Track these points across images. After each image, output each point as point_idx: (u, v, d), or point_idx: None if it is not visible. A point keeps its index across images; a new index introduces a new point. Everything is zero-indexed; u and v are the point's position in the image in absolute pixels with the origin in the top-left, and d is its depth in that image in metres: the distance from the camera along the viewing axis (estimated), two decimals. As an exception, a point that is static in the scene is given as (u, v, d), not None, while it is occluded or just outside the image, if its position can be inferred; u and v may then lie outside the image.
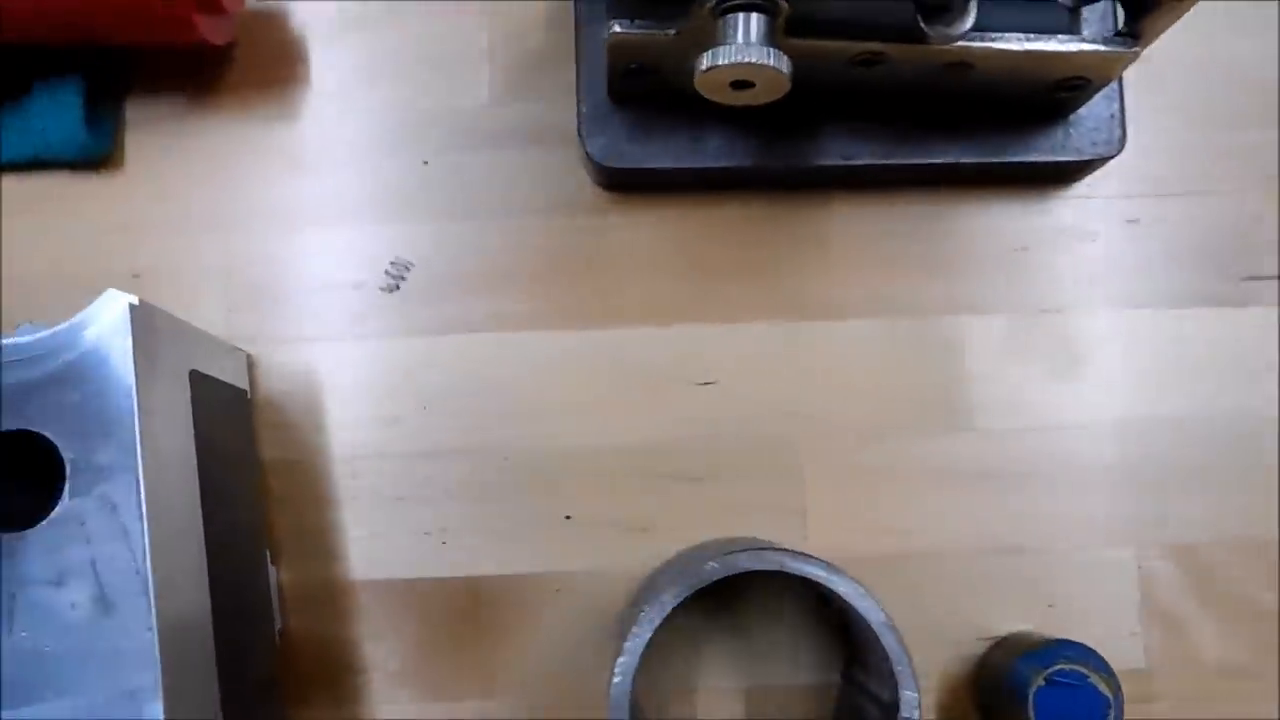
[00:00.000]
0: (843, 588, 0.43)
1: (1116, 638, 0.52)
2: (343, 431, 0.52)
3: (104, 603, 0.37)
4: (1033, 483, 0.53)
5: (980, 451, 0.53)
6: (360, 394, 0.52)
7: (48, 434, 0.39)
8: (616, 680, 0.42)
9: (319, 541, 0.51)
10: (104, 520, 0.38)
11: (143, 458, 0.39)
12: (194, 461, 0.44)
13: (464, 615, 0.51)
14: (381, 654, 0.51)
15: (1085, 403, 0.54)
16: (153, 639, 0.37)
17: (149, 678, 0.37)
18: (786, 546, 0.45)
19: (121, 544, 0.38)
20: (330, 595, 0.51)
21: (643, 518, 0.52)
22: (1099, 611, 0.53)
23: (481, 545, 0.51)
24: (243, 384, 0.51)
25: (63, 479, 0.39)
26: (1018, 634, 0.52)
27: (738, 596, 0.51)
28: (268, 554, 0.50)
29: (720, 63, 0.42)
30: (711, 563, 0.43)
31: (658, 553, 0.51)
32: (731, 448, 0.52)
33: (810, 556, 0.43)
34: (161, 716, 0.36)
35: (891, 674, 0.43)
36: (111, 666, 0.37)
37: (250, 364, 0.52)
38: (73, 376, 0.40)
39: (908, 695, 0.43)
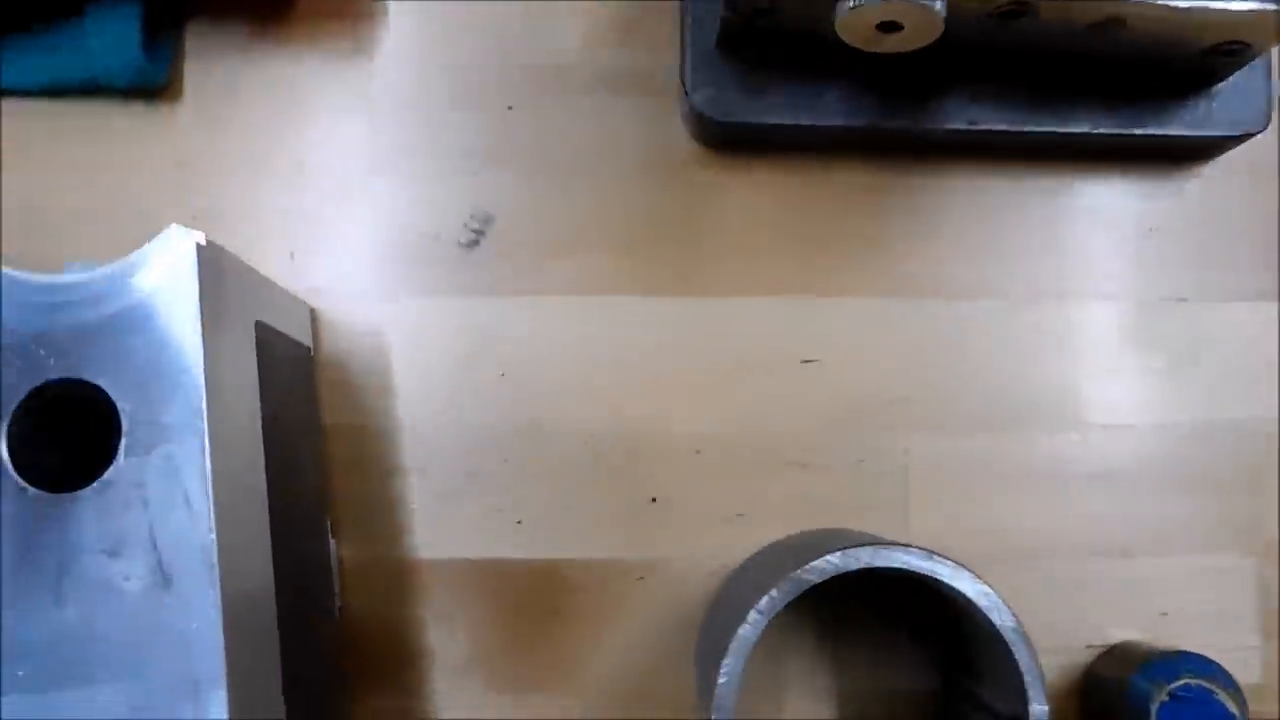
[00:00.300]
0: (970, 590, 0.37)
1: (1232, 649, 0.46)
2: (411, 397, 0.46)
3: (163, 576, 0.31)
4: (1145, 482, 0.47)
5: (1092, 447, 0.47)
6: (432, 356, 0.46)
7: (102, 384, 0.33)
8: (723, 682, 0.37)
9: (382, 515, 0.45)
10: (165, 484, 0.32)
11: (209, 416, 0.33)
12: (259, 423, 0.38)
13: (538, 601, 0.45)
14: (447, 640, 0.45)
15: (1205, 400, 0.48)
16: (217, 618, 0.31)
17: (213, 663, 0.31)
18: (898, 541, 0.39)
19: (184, 511, 0.32)
20: (393, 574, 0.45)
21: (734, 504, 0.46)
22: (1214, 621, 0.47)
23: (559, 527, 0.45)
24: (306, 340, 0.45)
25: (118, 436, 0.33)
26: (1129, 644, 0.47)
27: (832, 590, 0.46)
28: (329, 526, 0.44)
29: (872, -1, 0.36)
30: (829, 557, 0.37)
31: (749, 542, 0.45)
32: (832, 432, 0.46)
33: (935, 554, 0.37)
34: (225, 708, 0.30)
35: (1015, 685, 0.37)
36: (171, 649, 0.31)
37: (314, 319, 0.46)
38: (131, 321, 0.34)
39: (1037, 710, 0.37)
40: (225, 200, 0.46)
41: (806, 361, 0.47)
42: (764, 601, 0.36)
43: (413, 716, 0.45)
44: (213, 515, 0.32)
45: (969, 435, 0.47)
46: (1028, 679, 0.37)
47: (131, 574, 0.32)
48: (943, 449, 0.47)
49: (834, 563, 0.37)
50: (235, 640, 0.32)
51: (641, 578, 0.45)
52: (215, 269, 0.35)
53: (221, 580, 0.32)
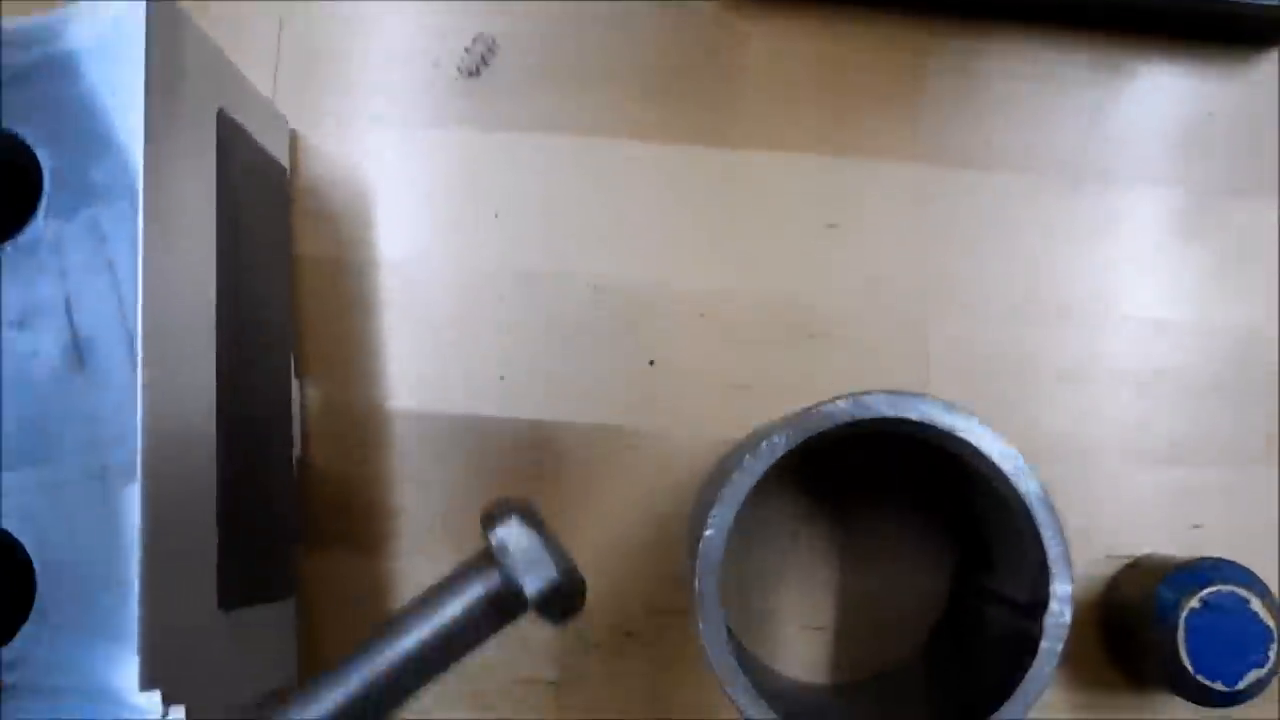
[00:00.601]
0: (993, 450, 0.31)
1: (1271, 567, 0.41)
2: (397, 233, 0.40)
3: (77, 355, 0.26)
4: (1184, 386, 0.41)
5: (1129, 344, 0.41)
6: (421, 191, 0.40)
7: (24, 135, 0.27)
8: (709, 534, 0.31)
9: (355, 360, 0.40)
10: (87, 251, 0.26)
11: (146, 184, 0.27)
12: (213, 219, 0.32)
13: (519, 465, 0.39)
14: (418, 499, 0.39)
15: (1255, 304, 0.42)
16: (133, 405, 0.25)
17: (126, 451, 0.25)
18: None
19: (105, 279, 0.26)
20: (363, 424, 0.39)
21: (739, 374, 0.40)
22: (1250, 538, 0.41)
23: (549, 386, 0.40)
24: (282, 158, 0.39)
25: (40, 195, 0.27)
26: (1156, 556, 0.41)
27: (840, 484, 0.40)
28: (293, 364, 0.39)
29: None
30: (839, 402, 0.31)
31: (753, 416, 0.39)
32: (851, 305, 0.41)
33: (957, 407, 0.31)
34: (138, 504, 0.25)
35: (1035, 566, 0.32)
36: (81, 433, 0.25)
37: (294, 140, 0.40)
38: (65, 70, 0.28)
39: (1060, 590, 0.31)
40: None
41: (830, 226, 0.41)
42: (763, 446, 0.30)
43: (371, 578, 0.39)
44: (140, 291, 0.26)
45: (999, 322, 0.41)
46: (1051, 554, 0.31)
47: (41, 349, 0.26)
48: (969, 334, 0.41)
49: (844, 408, 0.31)
50: (158, 437, 0.26)
51: (634, 446, 0.39)
52: (171, 30, 0.29)
53: (144, 365, 0.26)
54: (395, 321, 0.40)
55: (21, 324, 0.26)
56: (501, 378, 0.39)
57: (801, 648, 0.39)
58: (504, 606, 0.26)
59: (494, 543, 0.26)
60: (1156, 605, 0.38)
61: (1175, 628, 0.37)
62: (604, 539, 0.39)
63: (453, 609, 0.26)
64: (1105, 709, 0.39)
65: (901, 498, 0.40)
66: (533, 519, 0.26)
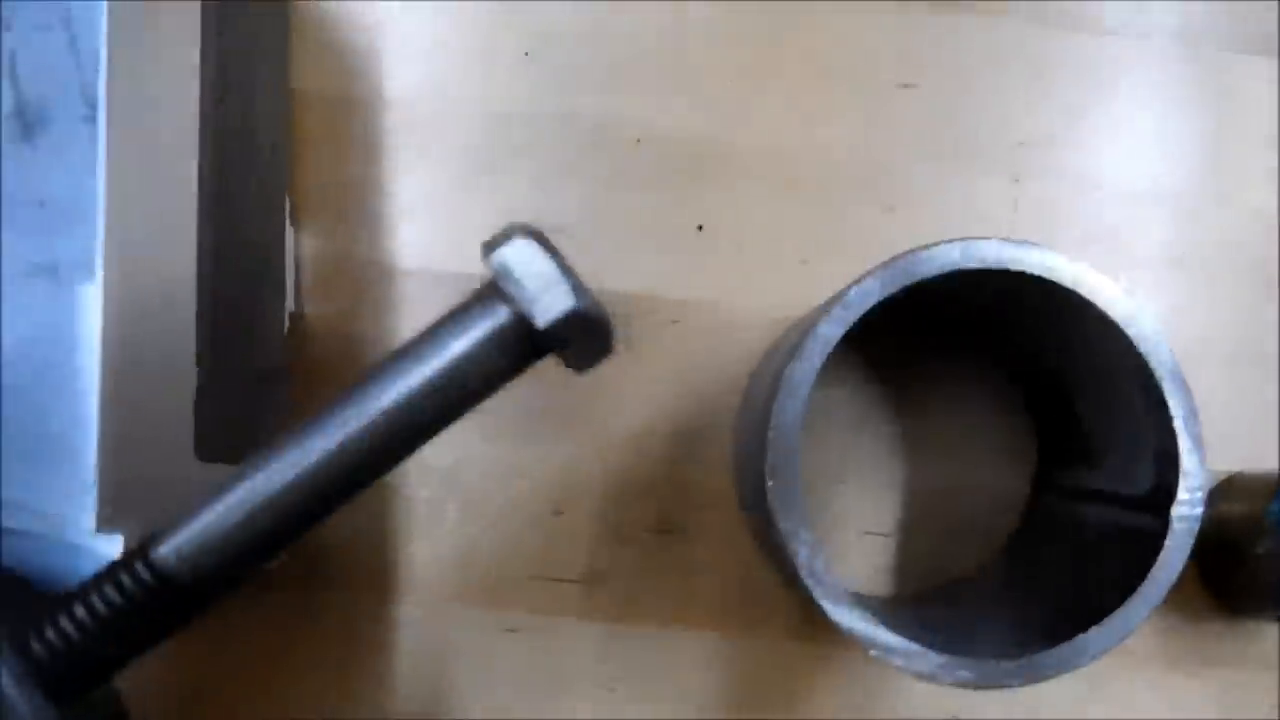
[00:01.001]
0: (1123, 311, 0.26)
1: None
2: (410, 70, 0.35)
3: (22, 123, 0.21)
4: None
5: (1243, 233, 0.37)
6: (441, 22, 0.35)
7: None
8: (785, 398, 0.26)
9: (359, 209, 0.35)
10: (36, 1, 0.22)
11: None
12: (196, 16, 0.27)
13: (544, 336, 0.35)
14: (426, 370, 0.35)
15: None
16: (93, 182, 0.21)
17: (81, 243, 0.21)
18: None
19: (60, 37, 0.21)
20: (366, 281, 0.34)
21: (798, 244, 0.35)
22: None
23: (582, 247, 0.34)
24: (283, -29, 0.34)
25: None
26: (1254, 471, 0.37)
27: (905, 371, 0.36)
28: (288, 210, 0.34)
29: None
30: (946, 245, 0.26)
31: (814, 289, 0.34)
32: (926, 172, 0.36)
33: (1060, 254, 0.27)
34: (98, 308, 0.20)
35: (1154, 454, 0.27)
36: (27, 218, 0.21)
37: (296, -43, 0.35)
38: None
39: (1193, 475, 0.26)
40: None
41: (904, 86, 0.36)
42: (852, 294, 0.26)
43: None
44: (104, 54, 0.21)
45: (1093, 197, 0.36)
46: (1184, 435, 0.26)
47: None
48: (1062, 212, 0.36)
49: (951, 253, 0.26)
50: (122, 234, 0.22)
51: (677, 320, 0.35)
52: None
53: (107, 141, 0.21)
54: (405, 168, 0.35)
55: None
56: (528, 237, 0.35)
57: (862, 555, 0.35)
58: (513, 345, 0.21)
59: (496, 266, 0.21)
60: (1269, 520, 0.34)
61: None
62: (640, 423, 0.35)
63: (449, 350, 0.21)
64: (1198, 635, 0.35)
65: (974, 387, 0.35)
66: (544, 241, 0.21)
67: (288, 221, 0.33)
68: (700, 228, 0.35)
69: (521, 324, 0.20)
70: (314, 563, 0.34)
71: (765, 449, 0.26)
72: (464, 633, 0.34)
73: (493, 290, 0.21)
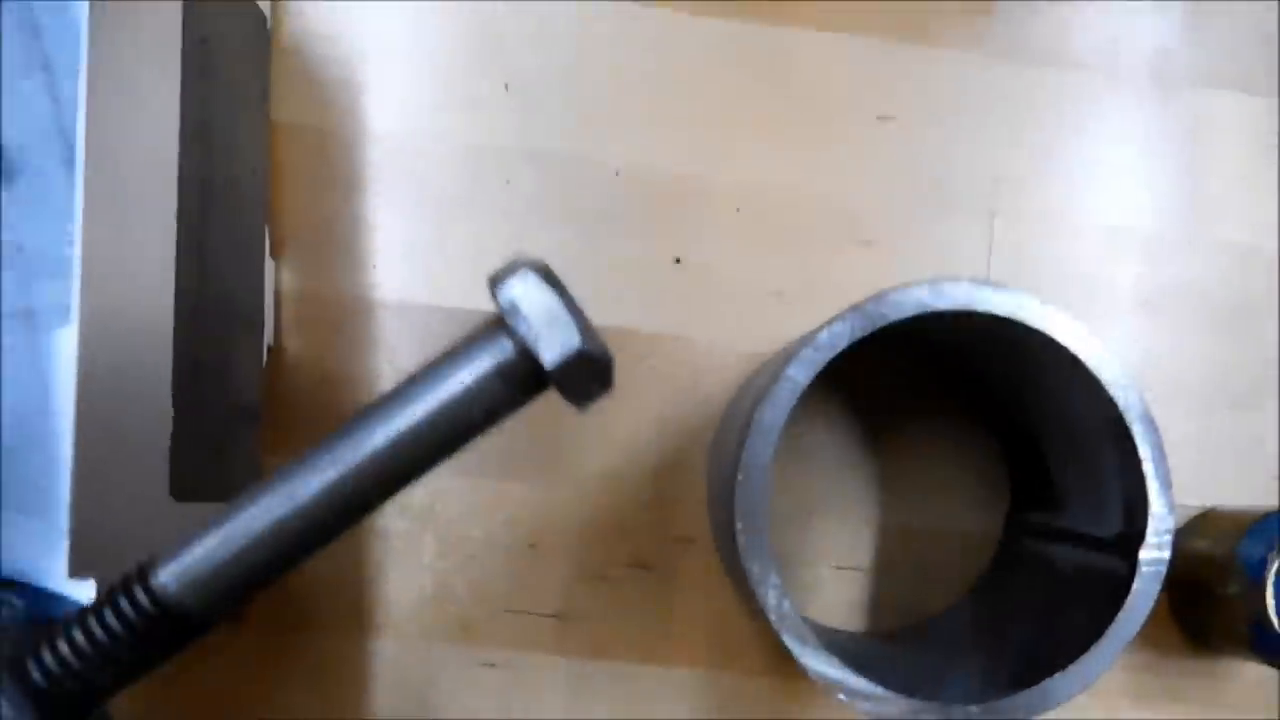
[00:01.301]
0: (1093, 356, 0.27)
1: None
2: (391, 103, 0.35)
3: (1, 166, 0.21)
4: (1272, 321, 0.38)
5: (1215, 270, 0.37)
6: (422, 55, 0.35)
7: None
8: (755, 440, 0.26)
9: (338, 244, 0.35)
10: (17, 46, 0.22)
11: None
12: (177, 47, 0.27)
13: (521, 370, 0.35)
14: (403, 404, 0.35)
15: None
16: (70, 227, 0.21)
17: (59, 288, 0.21)
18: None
19: (39, 80, 0.21)
20: (345, 315, 0.35)
21: (776, 278, 0.36)
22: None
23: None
24: (262, 4, 0.34)
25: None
26: (1227, 508, 0.38)
27: (879, 410, 0.36)
28: (268, 243, 0.34)
29: None
30: (914, 290, 0.27)
31: (790, 325, 0.35)
32: (904, 207, 0.36)
33: (1031, 296, 0.27)
34: (74, 352, 0.20)
35: (1124, 497, 0.28)
36: (3, 261, 0.21)
37: (277, -10, 0.36)
38: None
39: (1162, 519, 0.27)
40: None
41: (883, 118, 0.37)
42: (823, 335, 0.26)
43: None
44: (83, 97, 0.22)
45: (1071, 240, 0.37)
46: (1153, 479, 0.27)
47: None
48: (1037, 251, 0.37)
49: (920, 295, 0.27)
50: (100, 279, 0.22)
51: (652, 353, 0.35)
52: None
53: (86, 187, 0.21)
54: (386, 202, 0.35)
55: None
56: (506, 271, 0.35)
57: (834, 590, 0.35)
58: (517, 380, 0.21)
59: (504, 302, 0.21)
60: (1238, 560, 0.34)
61: (1263, 585, 0.33)
62: (615, 459, 0.35)
63: (453, 384, 0.21)
64: (1167, 671, 0.36)
65: (947, 426, 0.36)
66: (550, 277, 0.21)
67: (268, 256, 0.34)
68: (678, 260, 0.36)
69: (527, 360, 0.21)
70: (289, 599, 0.35)
71: (734, 493, 0.27)
72: (441, 668, 0.35)
73: (499, 325, 0.21)
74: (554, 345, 0.20)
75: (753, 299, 0.36)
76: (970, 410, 0.36)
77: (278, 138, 0.35)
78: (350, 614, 0.34)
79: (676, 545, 0.35)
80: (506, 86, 0.35)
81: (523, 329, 0.20)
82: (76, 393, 0.21)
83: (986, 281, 0.27)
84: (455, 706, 0.35)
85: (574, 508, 0.35)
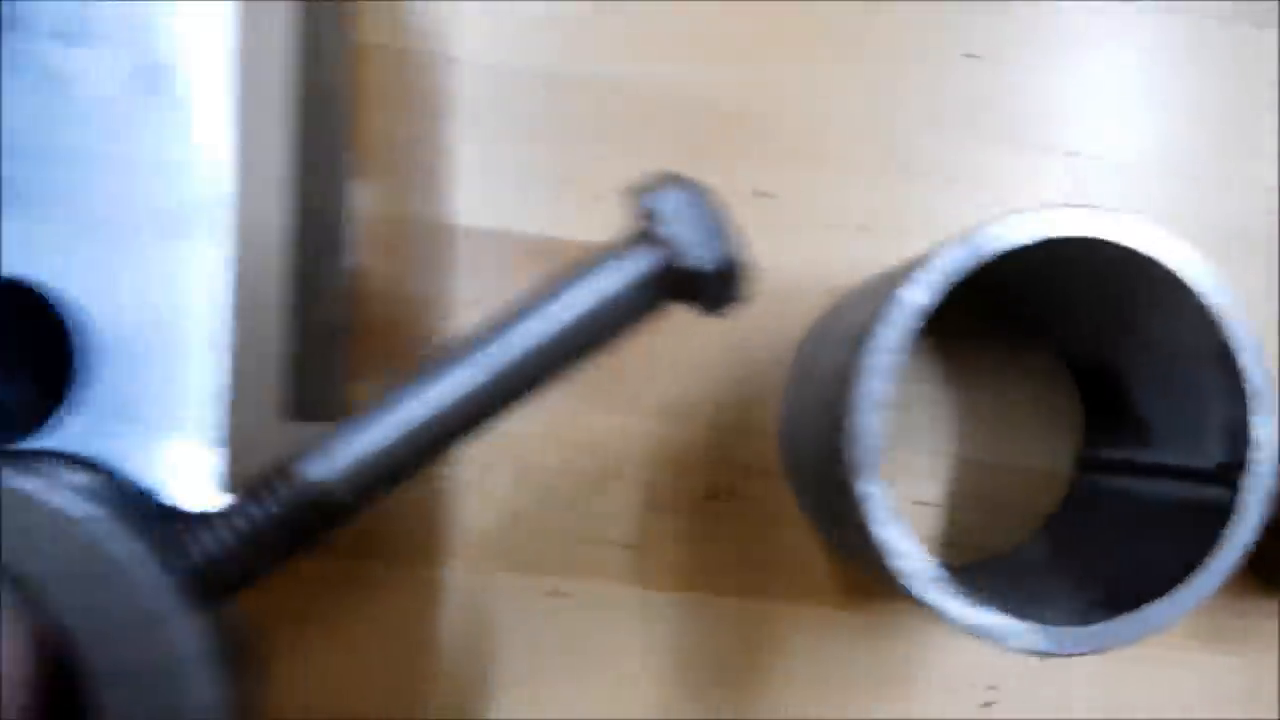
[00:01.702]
0: (1208, 284, 0.27)
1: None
2: (475, 25, 0.35)
3: (148, 76, 0.22)
4: None
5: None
6: (505, -24, 0.36)
7: None
8: (870, 379, 0.27)
9: (418, 166, 0.35)
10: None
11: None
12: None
13: (600, 299, 0.36)
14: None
15: None
16: (224, 139, 0.21)
17: (212, 202, 0.21)
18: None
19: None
20: (424, 240, 0.35)
21: (857, 211, 0.36)
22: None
23: None
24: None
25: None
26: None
27: (957, 348, 0.37)
28: (348, 164, 0.34)
29: None
30: (1023, 216, 0.27)
31: (870, 260, 0.36)
32: (989, 147, 0.36)
33: (1150, 223, 0.28)
34: (229, 272, 0.21)
35: (1220, 429, 0.28)
36: (148, 175, 0.21)
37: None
38: None
39: (1267, 447, 0.27)
40: None
41: (969, 56, 0.37)
42: (936, 264, 0.26)
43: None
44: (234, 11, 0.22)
45: (1153, 177, 0.37)
46: (1257, 409, 0.27)
47: (96, 67, 0.22)
48: (1115, 188, 0.37)
49: (1031, 223, 0.26)
50: (244, 194, 0.22)
51: (734, 286, 0.36)
52: None
53: (233, 99, 0.22)
54: (468, 127, 0.35)
55: (67, 37, 0.22)
56: (596, 197, 0.35)
57: (913, 525, 0.36)
58: (659, 289, 0.22)
59: (653, 209, 0.21)
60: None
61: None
62: (690, 390, 0.35)
63: (601, 289, 0.22)
64: (1244, 612, 0.37)
65: (1019, 359, 0.37)
66: (696, 189, 0.22)
67: (348, 177, 0.34)
68: (759, 194, 0.36)
69: (670, 269, 0.21)
70: (360, 528, 0.35)
71: (842, 417, 0.27)
72: (512, 597, 0.35)
73: (643, 235, 0.22)
74: (708, 252, 0.21)
75: (834, 231, 0.36)
76: (1042, 343, 0.36)
77: (361, 58, 0.35)
78: (422, 541, 0.35)
79: (751, 477, 0.35)
80: (596, 9, 0.35)
81: (678, 234, 0.21)
82: (234, 305, 0.21)
83: (1104, 210, 0.27)
84: (525, 634, 0.35)
85: (649, 438, 0.35)
